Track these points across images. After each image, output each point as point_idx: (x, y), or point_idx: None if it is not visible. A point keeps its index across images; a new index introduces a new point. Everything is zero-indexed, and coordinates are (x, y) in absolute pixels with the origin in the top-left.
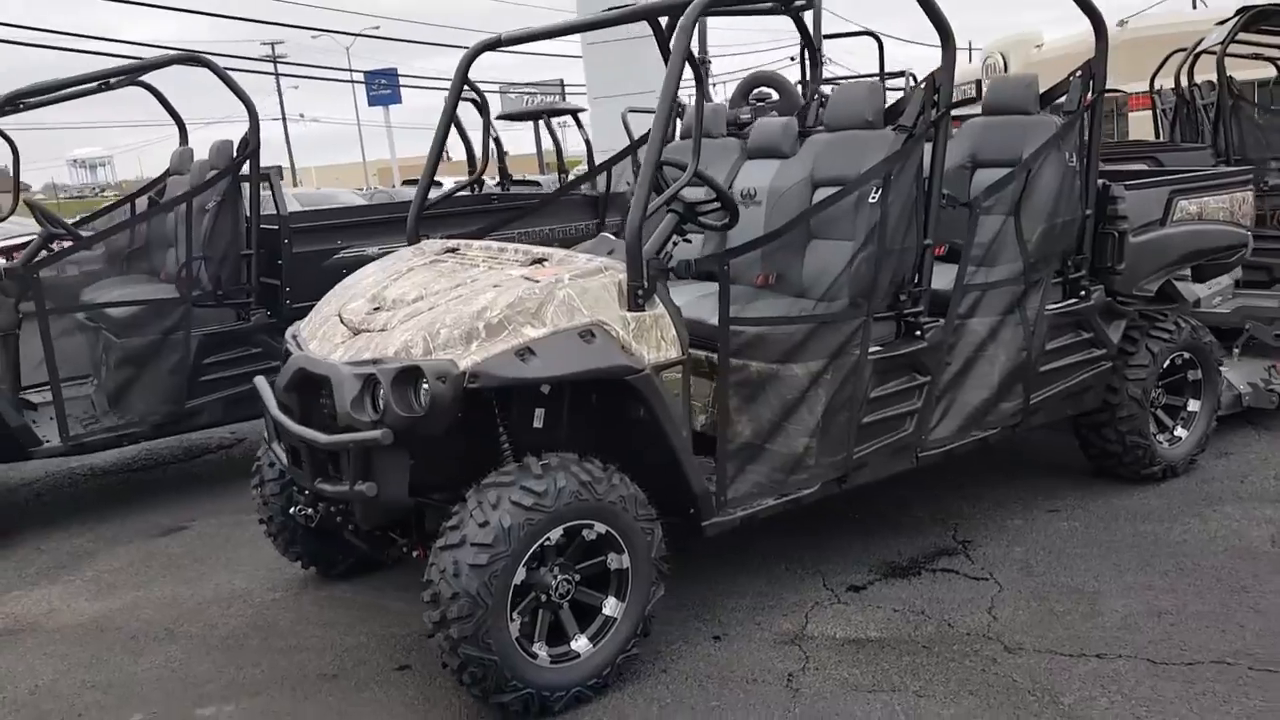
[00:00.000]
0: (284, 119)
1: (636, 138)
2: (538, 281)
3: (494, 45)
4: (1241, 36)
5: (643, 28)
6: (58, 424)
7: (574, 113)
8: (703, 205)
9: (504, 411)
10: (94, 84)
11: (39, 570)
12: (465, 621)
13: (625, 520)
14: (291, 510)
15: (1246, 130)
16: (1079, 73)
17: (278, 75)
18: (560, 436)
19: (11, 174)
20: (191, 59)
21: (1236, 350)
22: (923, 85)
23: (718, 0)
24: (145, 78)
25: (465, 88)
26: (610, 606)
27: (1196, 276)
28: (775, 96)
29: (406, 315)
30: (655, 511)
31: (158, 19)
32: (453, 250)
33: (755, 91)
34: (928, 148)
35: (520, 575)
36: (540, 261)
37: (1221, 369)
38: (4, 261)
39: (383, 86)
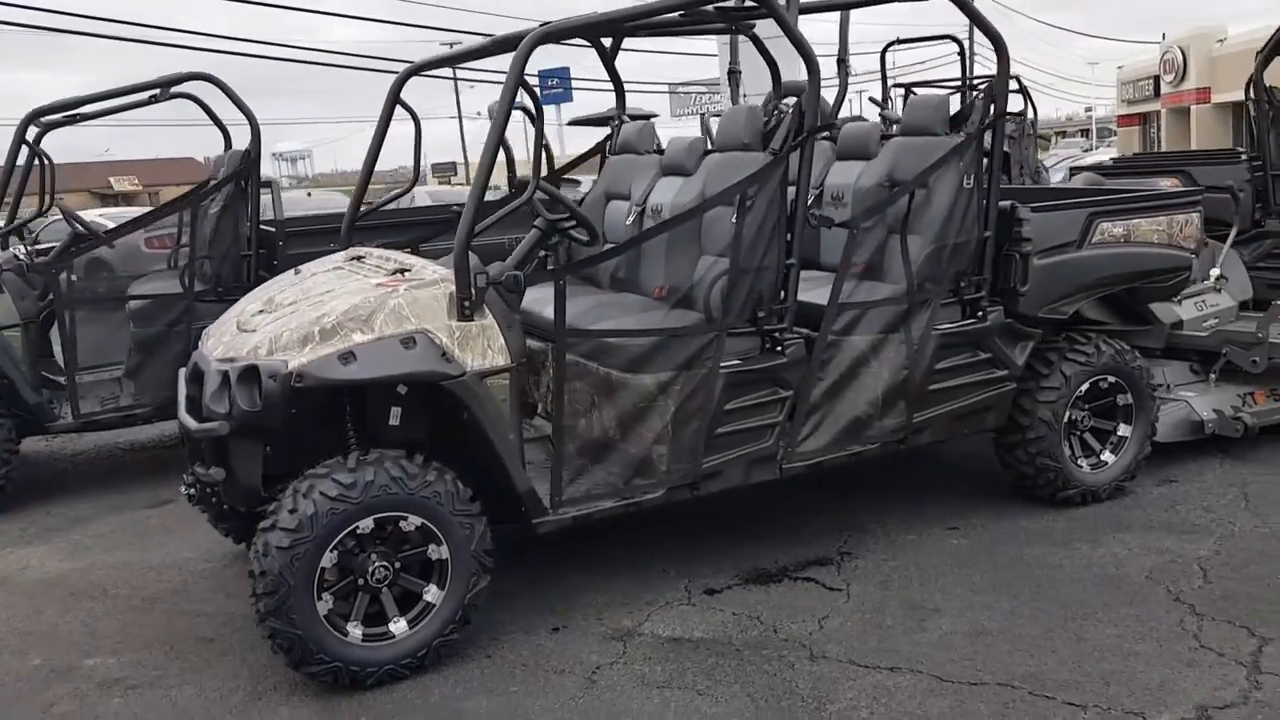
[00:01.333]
0: (460, 117)
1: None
2: (378, 291)
3: (418, 70)
4: None
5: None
6: (70, 403)
7: (647, 118)
8: (563, 222)
9: (357, 409)
10: (131, 100)
11: (37, 531)
12: (271, 597)
13: (441, 514)
14: (181, 489)
15: None
16: (979, 94)
17: (455, 78)
18: (419, 434)
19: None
20: (200, 77)
21: (1214, 375)
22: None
23: (641, 15)
24: (186, 88)
25: (519, 95)
26: (431, 594)
27: (1143, 298)
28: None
29: (274, 318)
30: (478, 507)
31: (352, 23)
32: (358, 258)
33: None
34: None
35: (331, 559)
36: (401, 271)
37: (1187, 394)
38: (19, 256)
39: (555, 86)
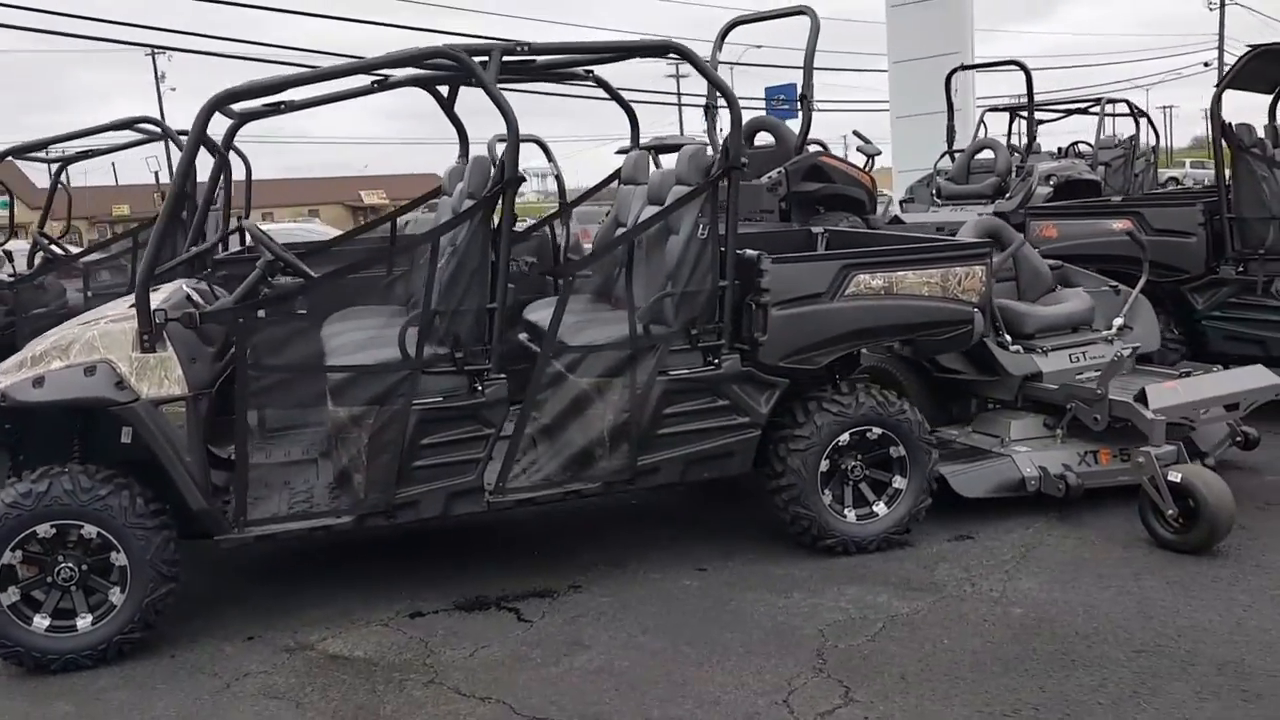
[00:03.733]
0: (680, 130)
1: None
2: (89, 325)
3: (226, 101)
4: None
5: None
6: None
7: (678, 148)
8: (277, 263)
9: (80, 426)
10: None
11: None
12: None
13: (115, 524)
14: None
15: (1247, 185)
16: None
17: (679, 92)
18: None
19: None
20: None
21: (1060, 431)
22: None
23: (326, 77)
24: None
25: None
26: (114, 595)
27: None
28: (772, 141)
29: (30, 345)
30: (160, 521)
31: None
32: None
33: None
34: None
35: (13, 557)
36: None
37: (1021, 449)
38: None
39: (782, 102)
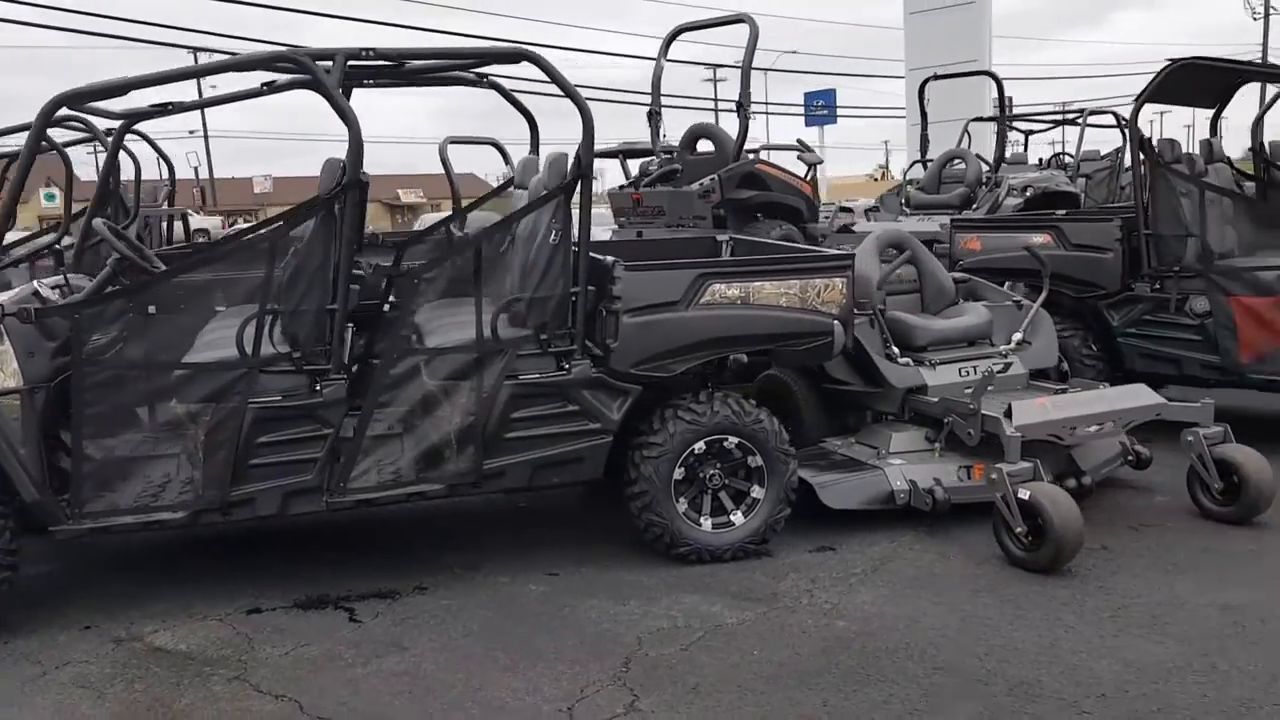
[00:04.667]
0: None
1: (456, 172)
2: None
3: (68, 102)
4: None
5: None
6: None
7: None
8: (124, 260)
9: None
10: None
11: None
12: None
13: None
14: None
15: (1164, 201)
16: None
17: (716, 98)
18: None
19: None
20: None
21: (938, 445)
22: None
23: (167, 79)
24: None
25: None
26: None
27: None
28: (712, 147)
29: None
30: None
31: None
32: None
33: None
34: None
35: None
36: None
37: (895, 462)
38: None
39: (820, 108)
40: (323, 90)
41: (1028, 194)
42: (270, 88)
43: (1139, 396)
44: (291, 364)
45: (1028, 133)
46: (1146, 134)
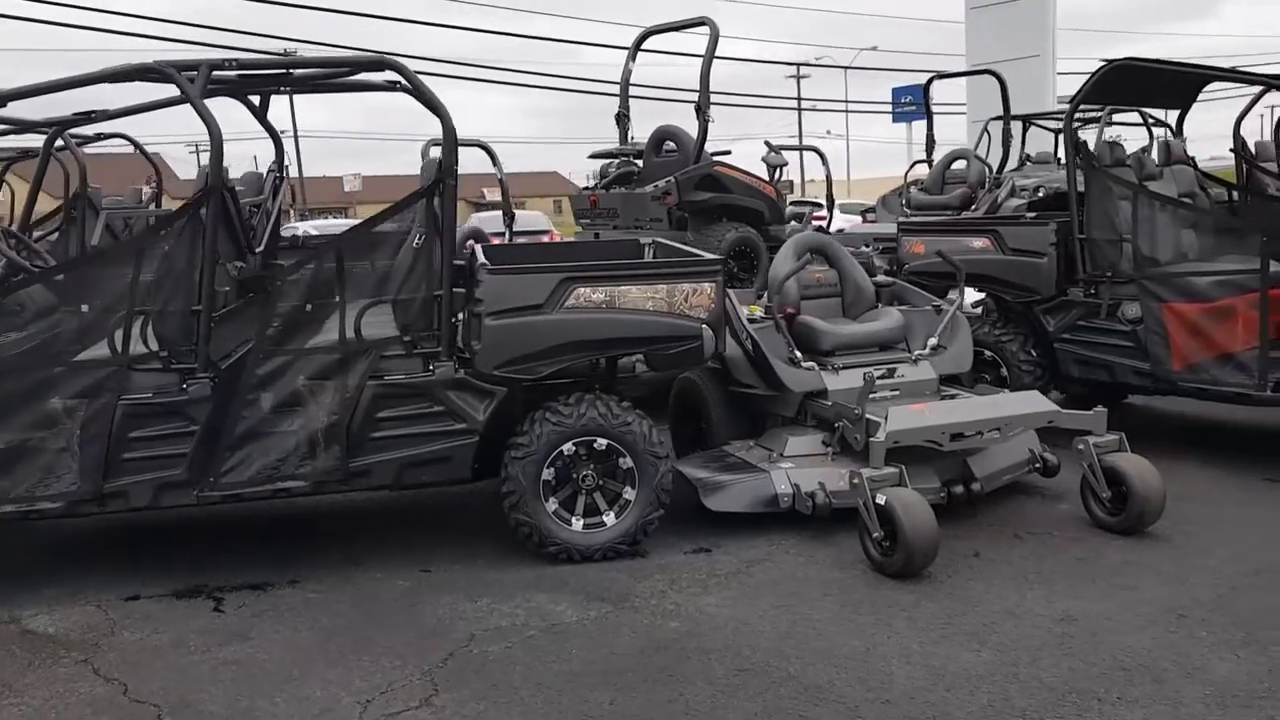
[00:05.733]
0: (799, 137)
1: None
2: None
3: None
4: None
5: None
6: None
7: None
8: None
9: None
10: None
11: None
12: None
13: None
14: None
15: (1099, 205)
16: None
17: (799, 98)
18: None
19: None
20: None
21: (832, 449)
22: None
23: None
24: None
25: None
26: None
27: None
28: (674, 148)
29: None
30: None
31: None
32: None
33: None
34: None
35: None
36: None
37: (785, 466)
38: None
39: (908, 104)
40: (187, 99)
41: (1039, 194)
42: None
43: (1030, 403)
44: (160, 362)
45: (1058, 131)
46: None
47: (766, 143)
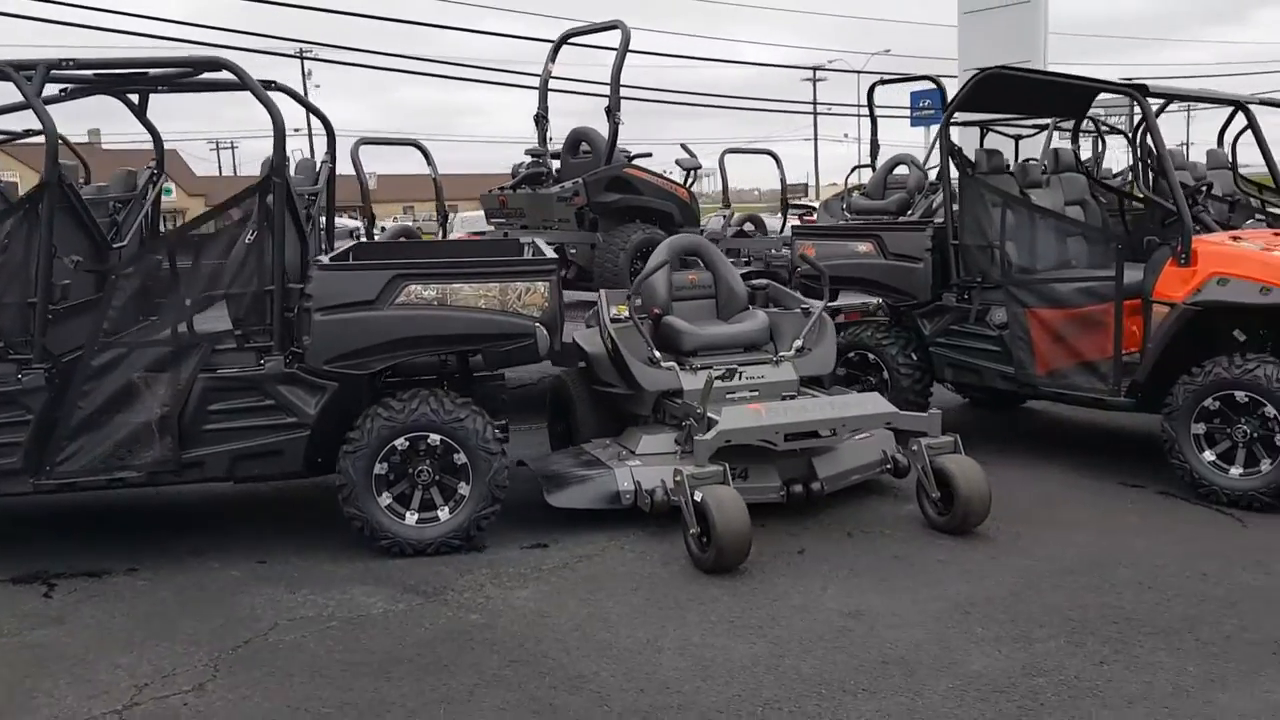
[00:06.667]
0: (815, 140)
1: (368, 173)
2: None
3: None
4: None
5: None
6: None
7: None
8: None
9: None
10: None
11: None
12: None
13: None
14: None
15: (970, 212)
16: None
17: (815, 100)
18: None
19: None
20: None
21: (682, 447)
22: None
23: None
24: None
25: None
26: None
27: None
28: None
29: None
30: None
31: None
32: None
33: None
34: None
35: None
36: None
37: (632, 464)
38: None
39: (926, 108)
40: (25, 98)
41: None
42: (66, 93)
43: (869, 405)
44: None
45: (1016, 137)
46: None
47: (682, 145)
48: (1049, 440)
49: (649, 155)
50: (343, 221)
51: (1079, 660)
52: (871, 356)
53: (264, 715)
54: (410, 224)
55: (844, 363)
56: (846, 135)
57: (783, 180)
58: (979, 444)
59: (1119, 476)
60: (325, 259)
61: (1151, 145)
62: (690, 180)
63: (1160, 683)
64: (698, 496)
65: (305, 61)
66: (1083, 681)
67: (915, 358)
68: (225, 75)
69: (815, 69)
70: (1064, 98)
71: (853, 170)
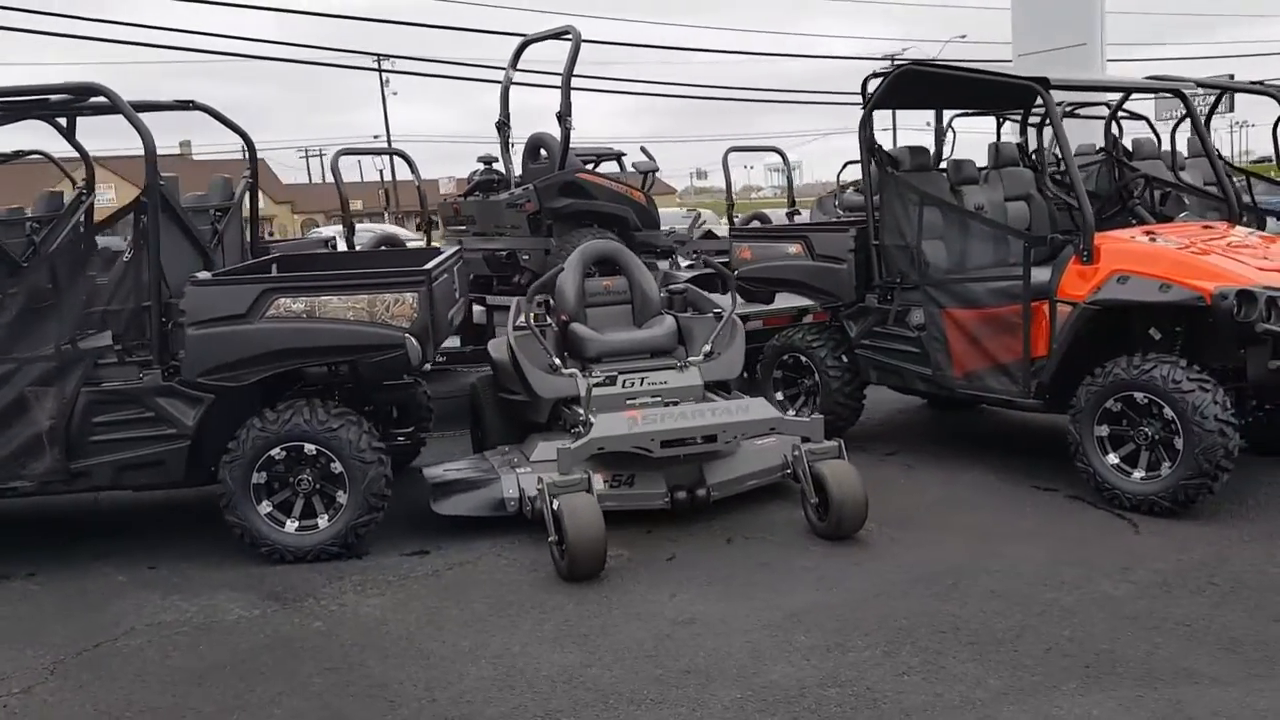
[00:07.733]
0: (894, 130)
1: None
2: None
3: None
4: None
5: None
6: None
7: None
8: None
9: None
10: None
11: None
12: None
13: None
14: None
15: (891, 211)
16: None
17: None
18: None
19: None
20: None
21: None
22: None
23: None
24: None
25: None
26: None
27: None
28: (546, 155)
29: None
30: None
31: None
32: None
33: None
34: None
35: None
36: None
37: (521, 471)
38: None
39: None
40: None
41: None
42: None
43: (753, 410)
44: None
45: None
46: None
47: (642, 148)
48: (987, 442)
49: (623, 154)
50: (320, 231)
51: (882, 671)
52: (804, 359)
53: (69, 719)
54: (397, 230)
55: (779, 365)
56: (928, 124)
57: (789, 178)
58: (918, 445)
59: (1036, 480)
60: (205, 274)
61: (1055, 137)
62: (648, 184)
63: (950, 695)
64: (555, 505)
65: (383, 73)
66: (874, 692)
67: (844, 360)
68: (101, 100)
69: (891, 58)
70: (1006, 94)
71: (844, 166)
